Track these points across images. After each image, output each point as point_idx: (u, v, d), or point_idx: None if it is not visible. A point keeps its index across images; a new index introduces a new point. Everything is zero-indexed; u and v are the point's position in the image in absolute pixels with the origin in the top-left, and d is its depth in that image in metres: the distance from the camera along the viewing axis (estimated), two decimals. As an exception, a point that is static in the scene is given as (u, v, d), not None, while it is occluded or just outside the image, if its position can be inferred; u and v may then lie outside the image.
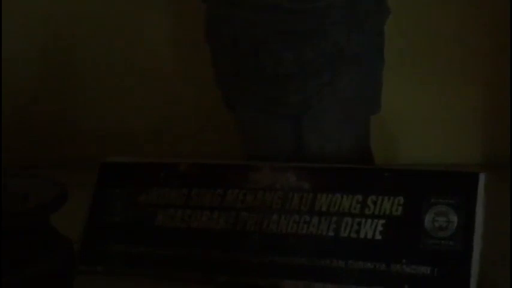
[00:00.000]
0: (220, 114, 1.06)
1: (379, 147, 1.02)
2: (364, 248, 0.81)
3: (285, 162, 0.91)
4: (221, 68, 0.97)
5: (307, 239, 0.83)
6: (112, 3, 1.23)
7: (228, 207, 0.88)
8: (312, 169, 0.87)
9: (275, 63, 0.91)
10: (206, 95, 1.12)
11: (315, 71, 0.91)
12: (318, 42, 0.90)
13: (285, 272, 0.83)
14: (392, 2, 0.96)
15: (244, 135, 1.00)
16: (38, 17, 1.24)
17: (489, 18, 1.17)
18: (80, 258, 0.89)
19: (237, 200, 0.88)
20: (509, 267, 0.82)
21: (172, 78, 1.25)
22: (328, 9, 0.90)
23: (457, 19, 1.17)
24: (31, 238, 0.71)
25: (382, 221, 0.82)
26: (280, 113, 0.94)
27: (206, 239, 0.87)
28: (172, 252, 0.88)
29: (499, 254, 0.84)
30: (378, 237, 0.81)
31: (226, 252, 0.86)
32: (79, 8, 1.24)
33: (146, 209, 0.91)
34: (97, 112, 1.28)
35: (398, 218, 0.81)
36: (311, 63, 0.91)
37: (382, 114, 0.99)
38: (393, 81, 1.01)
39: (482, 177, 0.80)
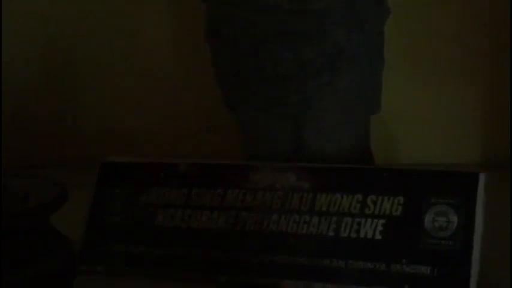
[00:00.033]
0: (220, 114, 1.06)
1: (379, 147, 1.02)
2: (364, 248, 0.81)
3: (285, 162, 0.91)
4: (221, 68, 0.97)
5: (307, 239, 0.84)
6: (112, 3, 1.23)
7: (228, 207, 0.88)
8: (312, 169, 0.87)
9: (275, 63, 0.91)
10: (206, 95, 1.12)
11: (315, 71, 0.91)
12: (318, 42, 0.90)
13: (285, 272, 0.83)
14: (392, 2, 0.96)
15: (244, 135, 1.00)
16: (38, 17, 1.24)
17: (489, 18, 1.17)
18: (80, 258, 0.89)
19: (237, 200, 0.88)
20: (509, 267, 0.82)
21: (172, 78, 1.25)
22: (328, 9, 0.90)
23: (457, 19, 1.17)
24: (31, 238, 0.71)
25: (382, 221, 0.82)
26: (280, 113, 0.94)
27: (206, 239, 0.87)
28: (172, 252, 0.88)
29: (499, 254, 0.84)
30: (378, 237, 0.81)
31: (226, 252, 0.86)
32: (79, 8, 1.24)
33: (146, 209, 0.91)
34: (97, 112, 1.27)
35: (398, 218, 0.81)
36: (311, 63, 0.91)
37: (382, 114, 0.99)
38: (393, 81, 1.01)
39: (482, 177, 0.80)
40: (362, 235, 0.82)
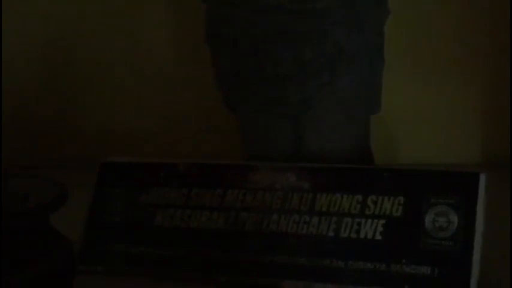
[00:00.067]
0: (221, 114, 1.06)
1: (379, 147, 1.02)
2: (364, 248, 0.81)
3: (285, 162, 0.91)
4: (221, 68, 0.97)
5: (307, 239, 0.83)
6: (112, 3, 1.23)
7: (227, 207, 0.88)
8: (312, 169, 0.87)
9: (275, 63, 0.91)
10: (206, 95, 1.12)
11: (314, 71, 0.91)
12: (318, 42, 0.90)
13: (285, 272, 0.83)
14: (392, 2, 0.96)
15: (244, 135, 1.00)
16: (38, 17, 1.24)
17: (489, 18, 1.17)
18: (80, 258, 0.89)
19: (237, 200, 0.88)
20: (509, 267, 0.82)
21: (172, 78, 1.25)
22: (328, 9, 0.90)
23: (457, 19, 1.17)
24: (31, 238, 0.71)
25: (382, 221, 0.82)
26: (280, 113, 0.94)
27: (206, 239, 0.87)
28: (172, 252, 0.88)
29: (499, 254, 0.84)
30: (378, 237, 0.81)
31: (226, 252, 0.86)
32: (79, 8, 1.24)
33: (146, 209, 0.91)
34: (97, 112, 1.27)
35: (399, 218, 0.81)
36: (311, 64, 0.91)
37: (382, 114, 0.99)
38: (393, 81, 1.01)
39: (482, 177, 0.80)
40: (362, 235, 0.82)
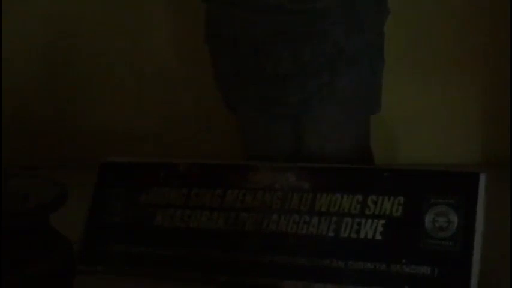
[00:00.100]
0: (221, 114, 1.06)
1: (379, 147, 1.02)
2: (364, 248, 0.81)
3: (285, 162, 0.91)
4: (221, 68, 0.97)
5: (307, 239, 0.83)
6: (112, 3, 1.23)
7: (227, 208, 0.88)
8: (311, 169, 0.87)
9: (275, 64, 0.91)
10: (206, 95, 1.12)
11: (314, 71, 0.91)
12: (318, 42, 0.90)
13: (285, 272, 0.83)
14: (392, 2, 0.96)
15: (244, 135, 1.00)
16: (38, 17, 1.24)
17: (489, 18, 1.17)
18: (80, 258, 0.89)
19: (237, 200, 0.88)
20: (509, 267, 0.82)
21: (172, 78, 1.25)
22: (328, 9, 0.90)
23: (457, 19, 1.17)
24: (31, 238, 0.71)
25: (382, 221, 0.82)
26: (280, 113, 0.94)
27: (206, 239, 0.87)
28: (172, 252, 0.88)
29: (499, 254, 0.84)
30: (378, 237, 0.81)
31: (226, 252, 0.86)
32: (79, 8, 1.24)
33: (146, 209, 0.91)
34: (97, 112, 1.28)
35: (399, 218, 0.81)
36: (311, 64, 0.91)
37: (382, 114, 0.99)
38: (393, 81, 1.01)
39: (482, 177, 0.80)
40: (362, 235, 0.82)
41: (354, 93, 0.93)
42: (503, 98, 1.17)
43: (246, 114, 0.97)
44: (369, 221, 0.82)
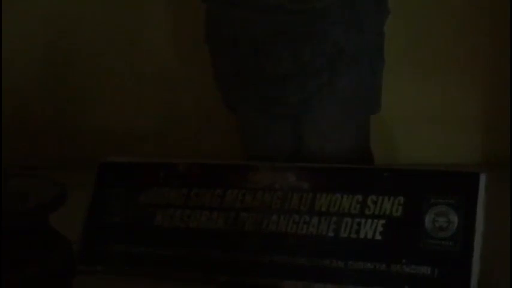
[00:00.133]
0: (221, 114, 1.06)
1: (379, 147, 1.02)
2: (364, 248, 0.81)
3: (285, 162, 0.91)
4: (221, 68, 0.97)
5: (306, 239, 0.83)
6: (112, 3, 1.23)
7: (227, 208, 0.88)
8: (311, 169, 0.87)
9: (275, 64, 0.91)
10: (206, 95, 1.12)
11: (314, 71, 0.91)
12: (318, 42, 0.90)
13: (285, 272, 0.83)
14: (392, 2, 0.96)
15: (244, 135, 1.00)
16: (38, 17, 1.24)
17: (489, 18, 1.16)
18: (80, 258, 0.89)
19: (237, 200, 0.88)
20: (509, 267, 0.82)
21: (172, 78, 1.25)
22: (328, 9, 0.90)
23: (457, 19, 1.17)
24: (31, 238, 0.71)
25: (382, 221, 0.81)
26: (280, 113, 0.94)
27: (206, 239, 0.87)
28: (172, 252, 0.88)
29: (499, 254, 0.84)
30: (378, 237, 0.81)
31: (226, 252, 0.86)
32: (79, 8, 1.24)
33: (146, 209, 0.91)
34: (97, 112, 1.27)
35: (399, 218, 0.81)
36: (311, 64, 0.91)
37: (382, 114, 0.99)
38: (393, 81, 1.01)
39: (483, 178, 0.80)
40: (362, 235, 0.82)
41: (354, 93, 0.93)
42: (503, 98, 1.17)
43: (246, 114, 0.97)
44: (369, 221, 0.82)
